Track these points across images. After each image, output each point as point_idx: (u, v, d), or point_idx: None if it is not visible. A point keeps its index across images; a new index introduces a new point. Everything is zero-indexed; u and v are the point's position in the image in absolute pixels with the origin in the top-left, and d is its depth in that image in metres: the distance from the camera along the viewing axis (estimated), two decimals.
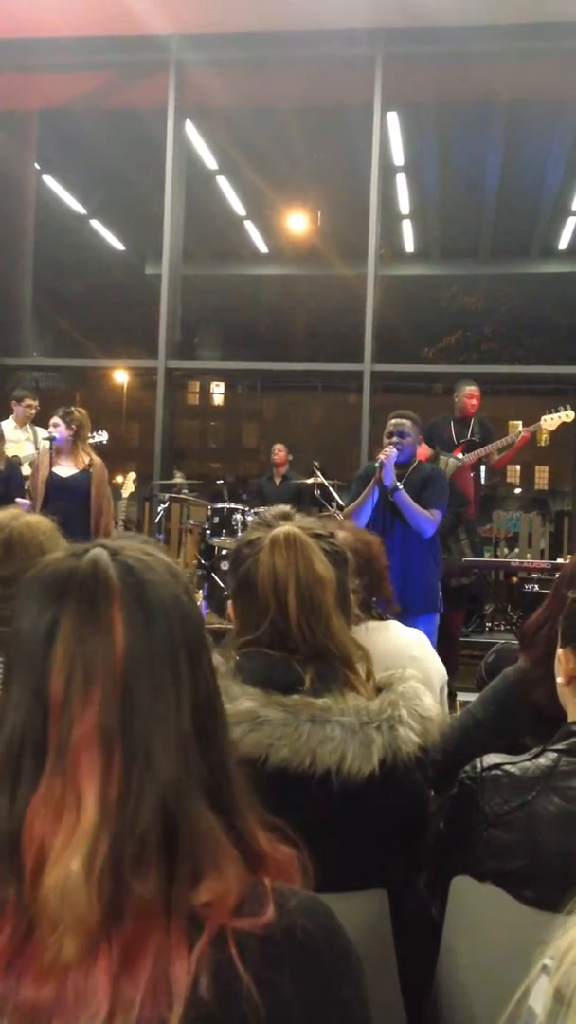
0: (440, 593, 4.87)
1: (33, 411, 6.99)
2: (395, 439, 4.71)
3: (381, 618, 2.47)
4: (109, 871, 0.73)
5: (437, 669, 2.47)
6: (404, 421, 4.80)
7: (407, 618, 4.54)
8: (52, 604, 0.78)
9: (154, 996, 0.71)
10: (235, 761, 0.85)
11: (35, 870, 0.73)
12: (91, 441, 6.19)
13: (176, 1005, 0.71)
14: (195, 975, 0.72)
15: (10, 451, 6.69)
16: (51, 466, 5.88)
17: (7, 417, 7.13)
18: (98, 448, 6.31)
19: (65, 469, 5.88)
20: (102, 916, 0.72)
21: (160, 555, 0.85)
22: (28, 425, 6.99)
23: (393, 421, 4.82)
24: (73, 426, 5.85)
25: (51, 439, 6.00)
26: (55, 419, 5.92)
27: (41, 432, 6.62)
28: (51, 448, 5.99)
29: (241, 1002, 0.72)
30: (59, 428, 5.84)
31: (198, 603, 0.86)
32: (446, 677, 2.52)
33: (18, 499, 5.88)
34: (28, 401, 6.98)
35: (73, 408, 6.02)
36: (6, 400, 7.34)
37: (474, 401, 6.93)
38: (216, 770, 0.81)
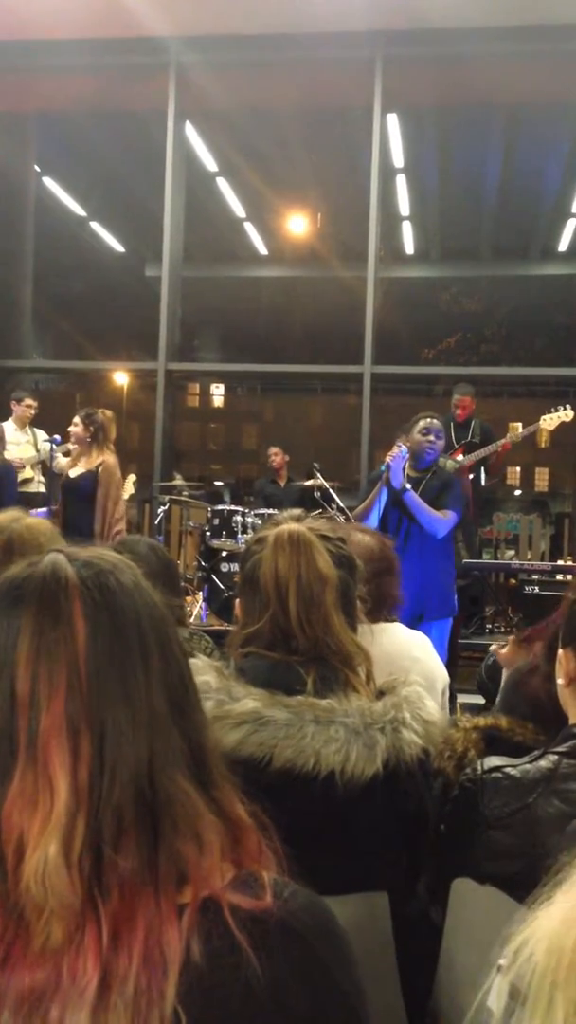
0: (455, 597, 4.85)
1: (32, 411, 6.99)
2: (431, 437, 4.65)
3: (385, 620, 2.47)
4: (88, 851, 0.76)
5: (439, 671, 2.47)
6: (435, 421, 4.73)
7: (423, 622, 4.57)
8: (14, 606, 0.82)
9: (149, 966, 0.73)
10: (211, 736, 0.89)
11: (16, 860, 0.75)
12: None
13: (171, 972, 0.73)
14: (186, 940, 0.75)
15: (11, 453, 6.71)
16: (69, 467, 5.92)
17: (5, 419, 7.13)
18: None
19: (76, 470, 5.90)
20: (86, 895, 0.75)
21: (111, 552, 0.89)
22: (28, 428, 7.00)
23: (428, 420, 4.72)
24: (91, 427, 5.84)
25: (51, 441, 6.01)
26: (76, 419, 5.93)
27: (41, 435, 6.63)
28: (51, 450, 6.01)
29: (239, 968, 0.74)
30: (78, 428, 5.85)
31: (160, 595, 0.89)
32: (447, 679, 2.52)
33: (32, 511, 5.89)
34: (28, 401, 6.99)
35: (99, 410, 6.01)
36: (5, 402, 7.34)
37: (459, 411, 6.96)
38: (193, 744, 0.84)
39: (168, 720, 0.82)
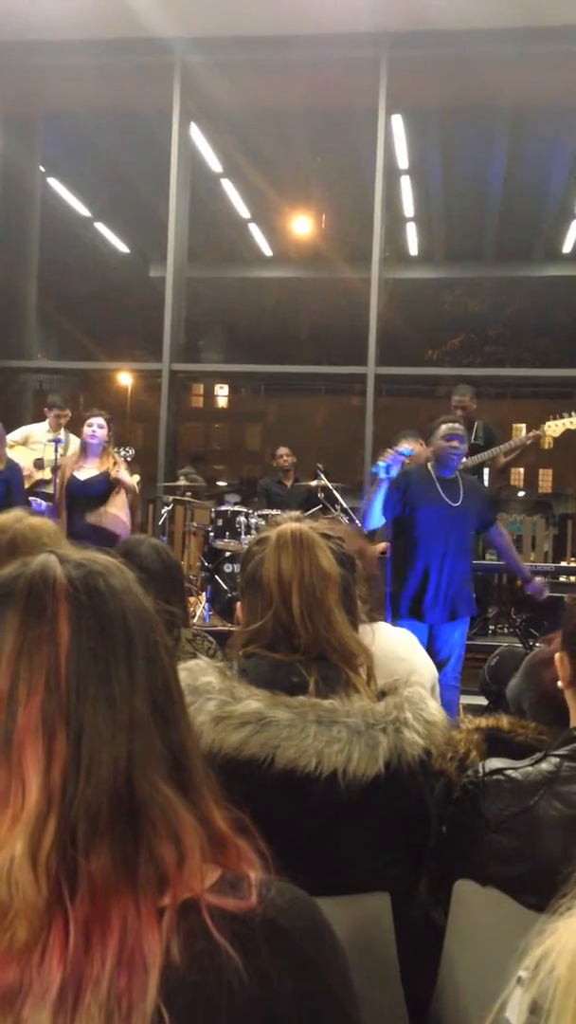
0: (474, 595, 4.94)
1: (64, 420, 7.00)
2: (455, 443, 4.65)
3: (369, 620, 2.46)
4: (57, 852, 0.75)
5: (426, 668, 2.47)
6: (458, 426, 4.74)
7: (455, 620, 4.66)
8: (1, 604, 0.82)
9: (127, 968, 0.73)
10: (196, 744, 0.89)
11: None
12: (119, 455, 6.29)
13: (151, 974, 0.73)
14: (166, 942, 0.74)
15: (38, 453, 6.74)
16: (73, 469, 5.96)
17: (14, 420, 7.13)
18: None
19: (86, 472, 5.93)
20: (53, 896, 0.75)
21: (104, 556, 0.89)
22: (59, 429, 6.97)
23: (450, 426, 4.70)
24: (111, 432, 5.97)
25: (56, 442, 6.05)
26: (100, 420, 5.95)
27: (74, 439, 6.61)
28: (56, 452, 6.03)
29: (221, 969, 0.74)
30: (104, 430, 5.92)
31: (151, 598, 0.89)
32: (436, 675, 2.52)
33: (32, 498, 5.93)
34: (57, 411, 7.01)
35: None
36: (9, 402, 7.33)
37: (459, 411, 6.94)
38: (175, 750, 0.84)
39: (150, 724, 0.82)
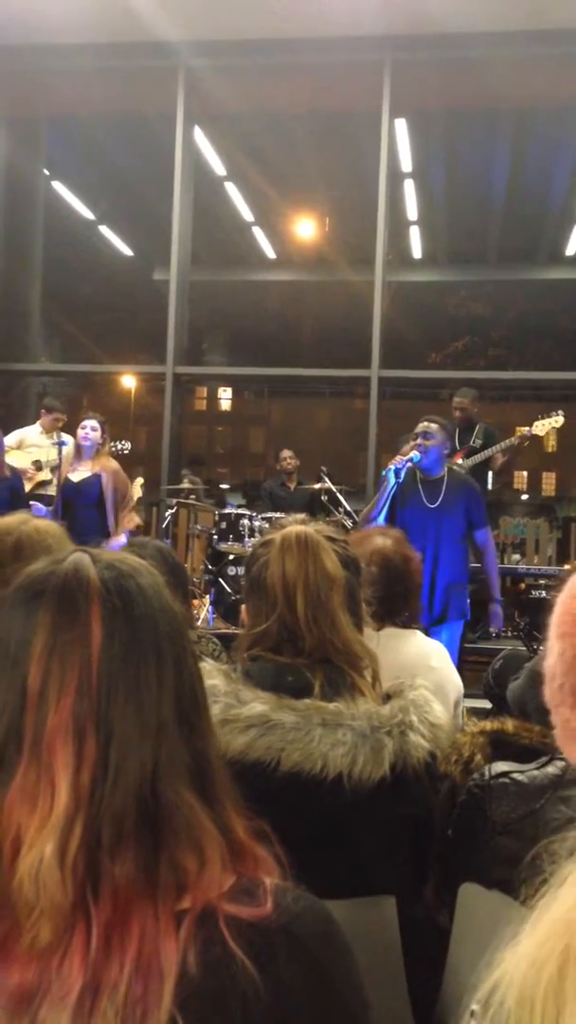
0: (468, 599, 4.93)
1: (61, 423, 7.01)
2: (419, 440, 4.74)
3: (405, 627, 2.46)
4: (83, 855, 0.75)
5: (454, 682, 2.46)
6: (431, 424, 4.82)
7: (440, 624, 4.68)
8: (34, 602, 0.82)
9: (144, 975, 0.73)
10: (218, 752, 0.88)
11: (11, 857, 0.75)
12: (113, 450, 6.29)
13: (167, 982, 0.73)
14: (183, 951, 0.74)
15: (34, 455, 6.74)
16: (68, 472, 5.97)
17: (18, 423, 7.13)
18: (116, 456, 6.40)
19: (79, 474, 5.94)
20: (77, 898, 0.75)
21: (134, 558, 0.89)
22: (55, 432, 6.98)
23: (421, 424, 4.84)
24: (105, 435, 5.96)
25: (60, 444, 6.05)
26: (94, 423, 5.95)
27: (68, 438, 6.62)
28: (59, 455, 6.04)
29: (236, 978, 0.74)
30: (97, 432, 5.92)
31: (179, 603, 0.89)
32: (462, 690, 2.51)
33: (32, 503, 5.93)
34: (57, 415, 7.01)
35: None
36: (13, 405, 7.32)
37: (457, 413, 6.98)
38: (199, 758, 0.84)
39: (175, 731, 0.82)
